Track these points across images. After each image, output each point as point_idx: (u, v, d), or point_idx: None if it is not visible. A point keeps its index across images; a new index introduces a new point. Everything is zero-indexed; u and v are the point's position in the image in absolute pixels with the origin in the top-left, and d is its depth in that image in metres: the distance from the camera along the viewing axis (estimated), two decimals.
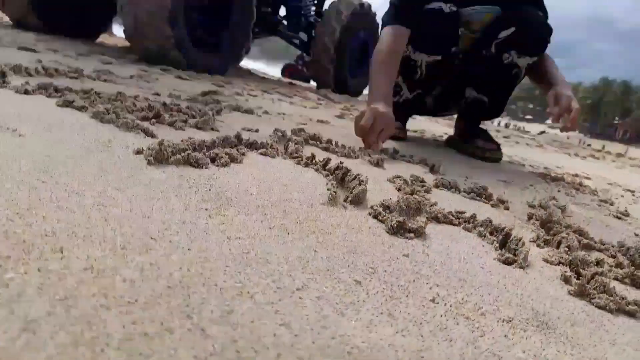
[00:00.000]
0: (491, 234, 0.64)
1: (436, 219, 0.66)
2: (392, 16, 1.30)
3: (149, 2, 1.79)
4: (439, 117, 1.67)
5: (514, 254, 0.57)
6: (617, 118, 67.97)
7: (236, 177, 0.63)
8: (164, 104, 1.00)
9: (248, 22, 2.20)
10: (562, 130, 1.20)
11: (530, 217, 0.78)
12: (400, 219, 0.58)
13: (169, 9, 1.81)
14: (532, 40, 1.33)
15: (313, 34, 3.28)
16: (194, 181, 0.57)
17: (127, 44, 3.08)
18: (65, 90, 0.91)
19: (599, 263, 0.61)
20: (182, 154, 0.65)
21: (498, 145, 1.47)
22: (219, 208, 0.49)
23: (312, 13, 3.41)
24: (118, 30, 3.74)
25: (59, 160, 0.52)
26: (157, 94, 1.18)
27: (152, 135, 0.76)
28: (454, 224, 0.66)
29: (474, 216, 0.68)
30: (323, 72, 3.21)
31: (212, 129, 0.92)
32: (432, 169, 1.05)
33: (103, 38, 3.09)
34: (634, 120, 62.84)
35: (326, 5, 3.50)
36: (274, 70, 6.88)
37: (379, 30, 1.42)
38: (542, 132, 6.61)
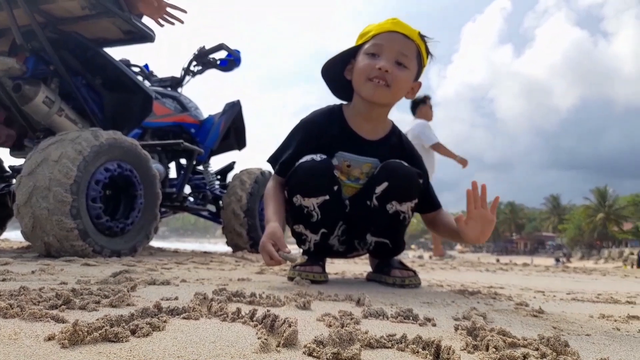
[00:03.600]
0: (423, 348, 0.66)
1: (369, 345, 0.66)
2: (271, 159, 1.62)
3: (47, 201, 1.78)
4: (350, 258, 1.74)
5: None
6: (513, 234, 74.07)
7: (160, 344, 0.60)
8: (73, 290, 0.95)
9: (154, 204, 2.24)
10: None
11: (456, 329, 0.81)
12: (335, 350, 0.59)
13: (70, 203, 1.80)
14: (405, 190, 1.49)
15: (221, 205, 3.38)
16: (115, 355, 0.54)
17: (25, 244, 2.94)
18: None
19: (525, 357, 0.64)
20: (99, 331, 0.61)
21: (414, 271, 1.54)
22: None
23: (217, 186, 3.56)
24: (10, 234, 3.58)
25: None
26: (64, 283, 1.13)
27: (64, 321, 0.71)
28: (387, 347, 0.67)
29: (404, 336, 0.69)
30: (236, 237, 3.26)
31: (129, 304, 0.88)
32: (358, 302, 1.07)
33: None
34: (529, 234, 68.85)
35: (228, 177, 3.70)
36: (186, 246, 6.82)
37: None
38: (455, 258, 6.98)
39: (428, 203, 1.62)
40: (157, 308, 0.80)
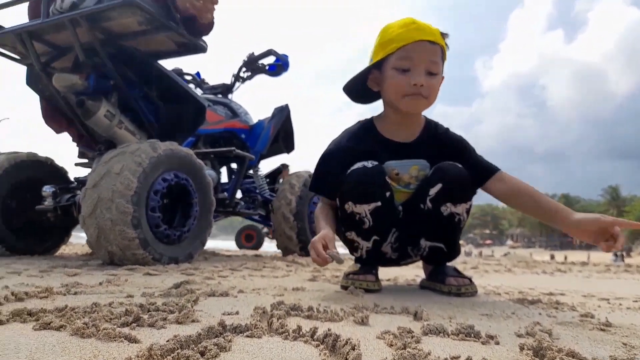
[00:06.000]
0: None
1: None
2: (312, 187, 1.61)
3: (110, 212, 1.87)
4: (404, 265, 1.72)
5: None
6: None
7: None
8: (141, 306, 1.00)
9: (209, 210, 2.31)
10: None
11: (522, 348, 0.79)
12: None
13: (131, 213, 1.89)
14: (460, 192, 1.47)
15: (271, 208, 3.44)
16: None
17: (86, 249, 3.10)
18: (39, 313, 0.90)
19: None
20: (172, 354, 0.64)
21: (470, 278, 1.51)
22: None
23: (267, 190, 3.62)
24: (75, 239, 3.77)
25: None
26: (131, 296, 1.18)
27: (136, 341, 0.75)
28: None
29: (469, 359, 0.68)
30: (286, 240, 3.31)
31: (193, 320, 0.92)
32: (416, 316, 1.07)
33: (62, 249, 3.10)
34: None
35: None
36: (234, 245, 7.03)
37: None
38: (507, 254, 6.81)
39: (480, 170, 1.53)
40: (221, 326, 0.83)
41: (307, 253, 3.31)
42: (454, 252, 1.55)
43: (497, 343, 0.84)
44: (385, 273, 1.99)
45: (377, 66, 1.52)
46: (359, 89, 1.60)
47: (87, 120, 2.27)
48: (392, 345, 0.78)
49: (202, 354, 0.68)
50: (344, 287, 1.48)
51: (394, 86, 1.47)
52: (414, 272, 2.29)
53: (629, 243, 51.92)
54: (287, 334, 0.82)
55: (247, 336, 0.81)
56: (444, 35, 1.49)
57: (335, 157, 1.57)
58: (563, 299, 1.49)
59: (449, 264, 1.58)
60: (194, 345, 0.71)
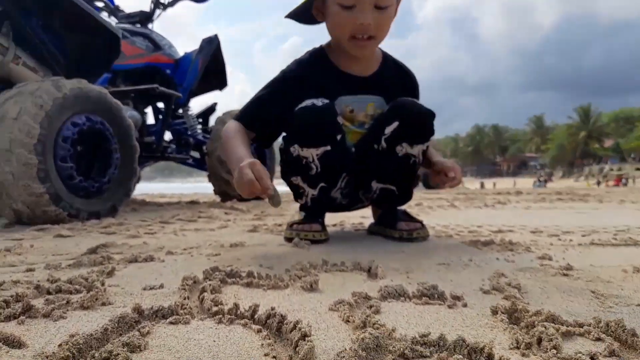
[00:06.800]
0: (469, 358, 0.53)
1: (403, 356, 0.54)
2: (237, 115, 1.38)
3: (10, 164, 1.59)
4: (354, 211, 1.61)
5: None
6: (497, 156, 75.22)
7: None
8: (37, 287, 0.80)
9: (132, 157, 2.06)
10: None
11: (494, 312, 0.69)
12: None
13: (36, 165, 1.62)
14: (418, 131, 1.34)
15: (205, 151, 3.20)
16: None
17: None
18: None
19: (592, 358, 0.53)
20: None
21: (421, 222, 1.42)
22: None
23: (199, 131, 3.35)
24: None
25: None
26: (31, 270, 0.98)
27: (19, 345, 0.57)
28: (426, 357, 0.54)
29: (442, 338, 0.57)
30: (224, 185, 3.11)
31: (104, 303, 0.74)
32: (369, 272, 0.96)
33: None
34: (512, 156, 70.04)
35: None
36: (171, 187, 6.70)
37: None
38: None
39: None
40: (137, 312, 0.66)
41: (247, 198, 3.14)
42: (407, 195, 1.45)
43: (465, 305, 0.74)
44: (331, 218, 1.88)
45: None
46: (306, 15, 1.37)
47: None
48: (349, 322, 0.65)
49: None
50: (288, 239, 1.35)
51: (338, 26, 1.28)
52: (359, 213, 2.20)
53: (551, 169, 55.88)
54: (221, 315, 0.67)
55: (171, 323, 0.65)
56: None
57: (280, 89, 1.37)
58: (515, 238, 1.45)
59: (399, 207, 1.48)
60: (95, 350, 0.54)
